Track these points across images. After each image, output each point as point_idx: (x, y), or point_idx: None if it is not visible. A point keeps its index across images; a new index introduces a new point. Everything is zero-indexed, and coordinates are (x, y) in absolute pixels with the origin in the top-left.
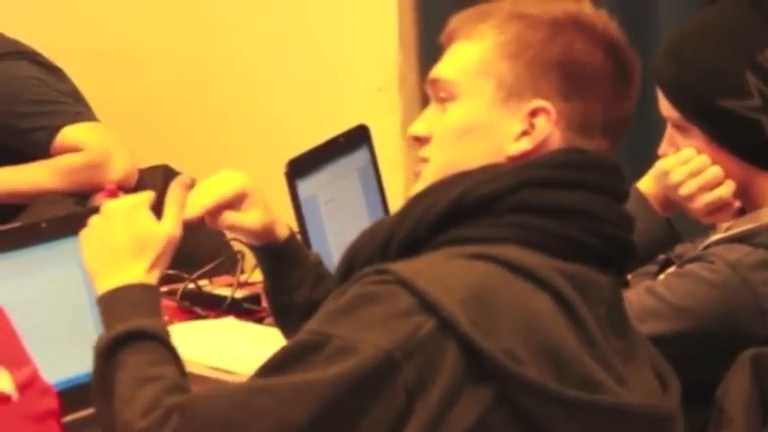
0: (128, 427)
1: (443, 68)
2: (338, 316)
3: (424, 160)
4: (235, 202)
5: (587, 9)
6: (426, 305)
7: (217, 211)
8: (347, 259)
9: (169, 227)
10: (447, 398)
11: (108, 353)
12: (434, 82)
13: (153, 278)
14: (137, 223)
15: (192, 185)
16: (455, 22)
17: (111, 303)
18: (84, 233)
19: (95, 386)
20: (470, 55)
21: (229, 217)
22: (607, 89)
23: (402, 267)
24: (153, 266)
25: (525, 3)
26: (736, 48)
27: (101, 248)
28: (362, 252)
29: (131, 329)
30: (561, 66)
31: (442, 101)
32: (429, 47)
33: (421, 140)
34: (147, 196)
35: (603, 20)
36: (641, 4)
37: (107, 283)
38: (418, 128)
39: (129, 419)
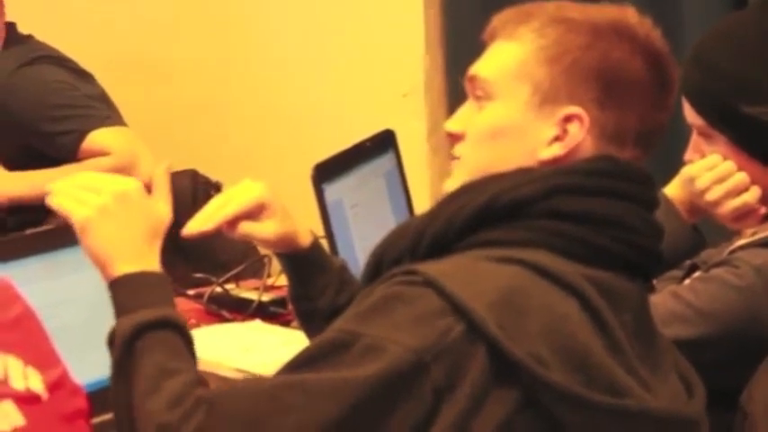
0: (151, 418)
1: (482, 67)
2: (367, 315)
3: (458, 158)
4: (253, 213)
5: (631, 15)
6: (455, 308)
7: (234, 221)
8: (376, 257)
9: (168, 212)
10: (474, 400)
11: (130, 340)
12: (472, 79)
13: (158, 262)
14: (150, 208)
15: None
16: (498, 20)
17: (133, 288)
18: (92, 217)
19: (114, 369)
20: (509, 56)
21: (244, 227)
22: (644, 99)
23: (431, 268)
24: (158, 251)
25: (569, 6)
26: (760, 54)
27: (118, 230)
28: (391, 251)
29: (157, 318)
30: (599, 74)
31: (478, 99)
32: (455, 52)
33: (455, 137)
34: (139, 183)
35: (646, 27)
36: (666, 11)
37: (125, 267)
38: (453, 125)
39: (155, 411)
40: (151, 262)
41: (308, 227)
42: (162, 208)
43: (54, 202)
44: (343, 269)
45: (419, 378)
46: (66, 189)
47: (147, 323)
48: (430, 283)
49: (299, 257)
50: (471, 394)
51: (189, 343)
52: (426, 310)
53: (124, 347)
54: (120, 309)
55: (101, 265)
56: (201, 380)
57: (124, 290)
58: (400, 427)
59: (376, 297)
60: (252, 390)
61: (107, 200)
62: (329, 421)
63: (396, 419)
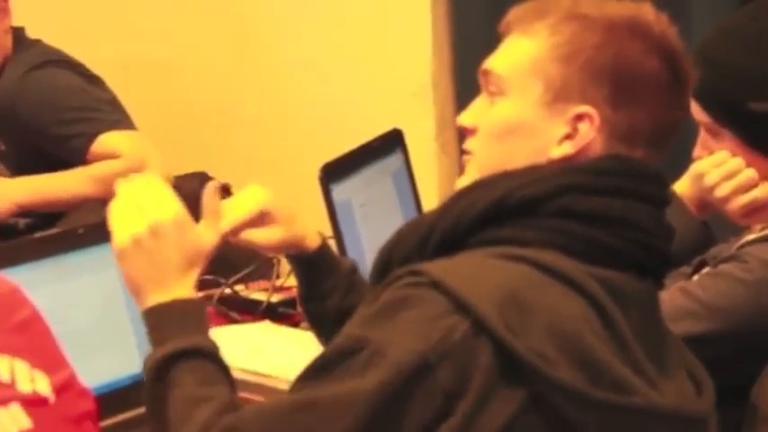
0: None
1: (496, 62)
2: (373, 320)
3: (469, 152)
4: (256, 220)
5: (647, 11)
6: (460, 306)
7: (237, 230)
8: (384, 255)
9: (212, 239)
10: (481, 398)
11: (161, 370)
12: (486, 73)
13: (194, 290)
14: (186, 239)
15: (221, 188)
16: (513, 14)
17: (162, 318)
18: (127, 248)
19: (148, 403)
20: (523, 52)
21: (247, 235)
22: (658, 99)
23: (436, 267)
24: (195, 280)
25: (584, 2)
26: (766, 50)
27: (149, 264)
28: (400, 248)
29: (186, 347)
30: (612, 73)
31: (491, 94)
32: (463, 52)
33: (467, 131)
34: (182, 210)
35: (663, 24)
36: (674, 7)
37: (156, 298)
38: (466, 118)
39: None
40: (183, 291)
41: (316, 228)
42: (205, 235)
43: (111, 209)
44: (353, 270)
45: (425, 379)
46: (125, 197)
47: (176, 353)
48: (435, 284)
49: (308, 259)
50: (479, 392)
51: (221, 368)
52: (431, 311)
53: (155, 380)
54: (152, 339)
55: (134, 295)
56: (235, 403)
57: (154, 320)
58: (414, 430)
59: (383, 301)
60: (269, 413)
61: (141, 232)
62: None
63: (408, 422)
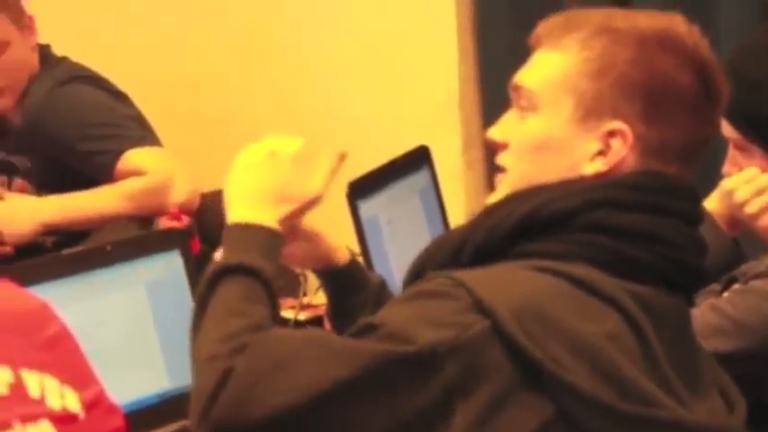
0: (205, 345)
1: (527, 76)
2: (396, 306)
3: (501, 169)
4: (288, 235)
5: (679, 24)
6: (481, 308)
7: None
8: (418, 265)
9: (316, 187)
10: (494, 403)
11: (215, 277)
12: (517, 88)
13: (283, 225)
14: (291, 175)
15: (345, 157)
16: (544, 27)
17: (235, 235)
18: (238, 161)
19: (196, 306)
20: (554, 67)
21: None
22: (691, 114)
23: (467, 274)
24: (288, 218)
25: (615, 14)
26: None
27: (249, 179)
28: (434, 259)
29: (243, 264)
30: (645, 89)
31: (522, 108)
32: (488, 67)
33: (498, 146)
34: (303, 152)
35: (695, 37)
36: (700, 22)
37: (240, 215)
38: (497, 133)
39: (209, 340)
40: (265, 217)
41: (344, 244)
42: (312, 182)
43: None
44: (382, 286)
45: (429, 371)
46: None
47: (232, 266)
48: (462, 285)
49: (336, 275)
50: (493, 396)
51: (269, 294)
52: (453, 306)
53: (208, 285)
54: (223, 251)
55: (226, 205)
56: (266, 326)
57: (228, 236)
58: (406, 412)
59: (409, 291)
60: (286, 339)
61: (257, 154)
62: (339, 381)
63: (401, 403)
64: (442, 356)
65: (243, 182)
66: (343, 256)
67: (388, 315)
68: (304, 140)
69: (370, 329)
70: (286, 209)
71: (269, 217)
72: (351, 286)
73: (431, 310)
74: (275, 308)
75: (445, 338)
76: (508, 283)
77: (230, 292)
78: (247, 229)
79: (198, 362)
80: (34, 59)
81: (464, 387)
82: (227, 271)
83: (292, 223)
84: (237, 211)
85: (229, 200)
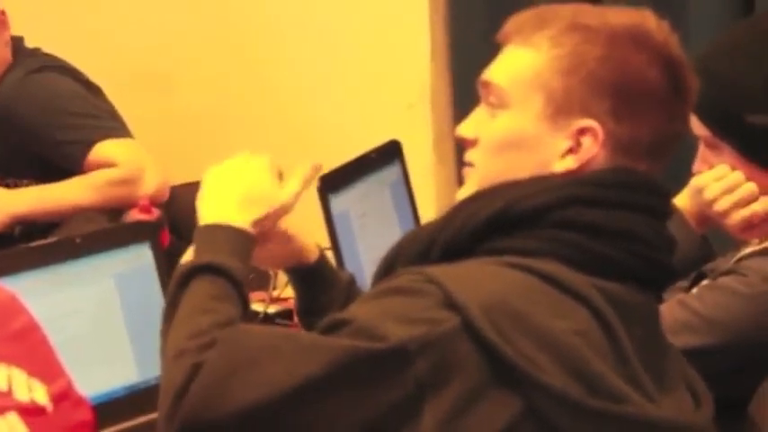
0: (174, 342)
1: (496, 73)
2: (366, 302)
3: (470, 164)
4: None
5: (649, 19)
6: (451, 304)
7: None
8: (388, 261)
9: (285, 195)
10: (465, 399)
11: (185, 277)
12: (486, 85)
13: (254, 228)
14: (257, 180)
15: (319, 169)
16: (513, 23)
17: (206, 236)
18: (208, 174)
19: (166, 305)
20: (524, 64)
21: None
22: (660, 111)
23: (437, 270)
24: (260, 221)
25: (586, 11)
26: (764, 63)
27: (221, 184)
28: (402, 256)
29: (212, 263)
30: (615, 87)
31: (491, 105)
32: (461, 63)
33: (467, 142)
34: (270, 163)
35: (664, 34)
36: (670, 18)
37: (211, 217)
38: (466, 130)
39: (178, 337)
40: (237, 220)
41: (314, 239)
42: (284, 188)
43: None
44: (351, 283)
45: (400, 367)
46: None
47: (202, 265)
48: (432, 281)
49: (306, 272)
50: (462, 394)
51: (239, 293)
52: (424, 302)
53: (178, 284)
54: (194, 252)
55: (198, 209)
56: (235, 323)
57: (198, 238)
58: (377, 408)
59: (379, 288)
60: (254, 335)
61: (222, 167)
62: (310, 377)
63: (371, 399)
64: (413, 353)
65: (215, 186)
66: (313, 254)
67: (358, 311)
68: (271, 156)
69: (340, 325)
70: (257, 212)
71: (240, 219)
72: (321, 284)
73: (401, 306)
74: (246, 307)
75: (416, 335)
76: (478, 280)
77: (200, 290)
78: (218, 230)
79: (166, 359)
80: (7, 54)
81: (435, 383)
82: (197, 270)
83: (264, 227)
84: (209, 214)
85: (201, 203)
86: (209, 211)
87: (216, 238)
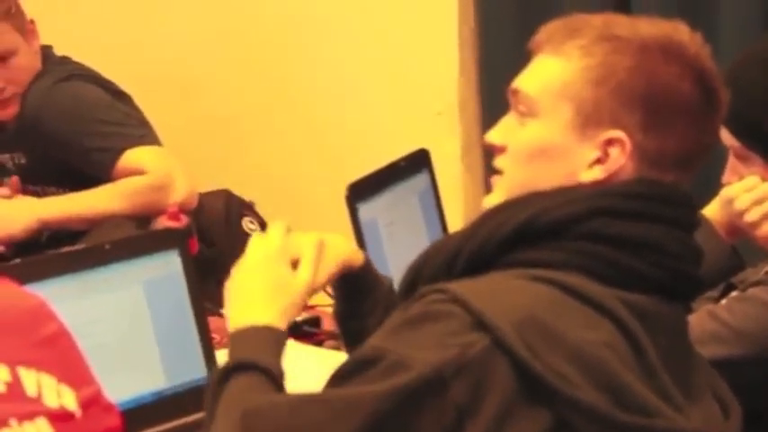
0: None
1: (526, 82)
2: (396, 333)
3: (498, 171)
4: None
5: (682, 32)
6: (481, 324)
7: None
8: (413, 272)
9: (305, 279)
10: (499, 418)
11: (221, 378)
12: (515, 93)
13: (281, 322)
14: (283, 272)
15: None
16: (545, 32)
17: (242, 337)
18: (233, 276)
19: (207, 402)
20: (554, 73)
21: None
22: (689, 123)
23: (461, 287)
24: (284, 313)
25: (617, 21)
26: None
27: (245, 287)
28: (428, 267)
29: (243, 360)
30: (645, 98)
31: (521, 113)
32: (489, 72)
33: (496, 149)
34: (276, 249)
35: (696, 45)
36: (701, 28)
37: (240, 321)
38: (495, 137)
39: (221, 427)
40: (264, 317)
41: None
42: (300, 273)
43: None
44: (392, 289)
45: (438, 393)
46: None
47: (239, 364)
48: (458, 301)
49: (351, 277)
50: (497, 411)
51: (276, 387)
52: (452, 326)
53: (217, 382)
54: (232, 353)
55: (229, 315)
56: None
57: (232, 342)
58: None
59: (407, 316)
60: (282, 404)
61: (240, 268)
62: None
63: (414, 430)
64: (449, 377)
65: (237, 292)
66: (357, 260)
67: (386, 344)
68: (282, 224)
69: (372, 362)
70: (284, 303)
71: (270, 317)
72: (365, 288)
73: (431, 334)
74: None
75: (449, 359)
76: (504, 295)
77: (235, 387)
78: (249, 332)
79: None
80: (37, 62)
81: (472, 404)
82: (230, 370)
83: (294, 315)
84: (241, 317)
85: (232, 309)
86: (240, 314)
87: (252, 339)
